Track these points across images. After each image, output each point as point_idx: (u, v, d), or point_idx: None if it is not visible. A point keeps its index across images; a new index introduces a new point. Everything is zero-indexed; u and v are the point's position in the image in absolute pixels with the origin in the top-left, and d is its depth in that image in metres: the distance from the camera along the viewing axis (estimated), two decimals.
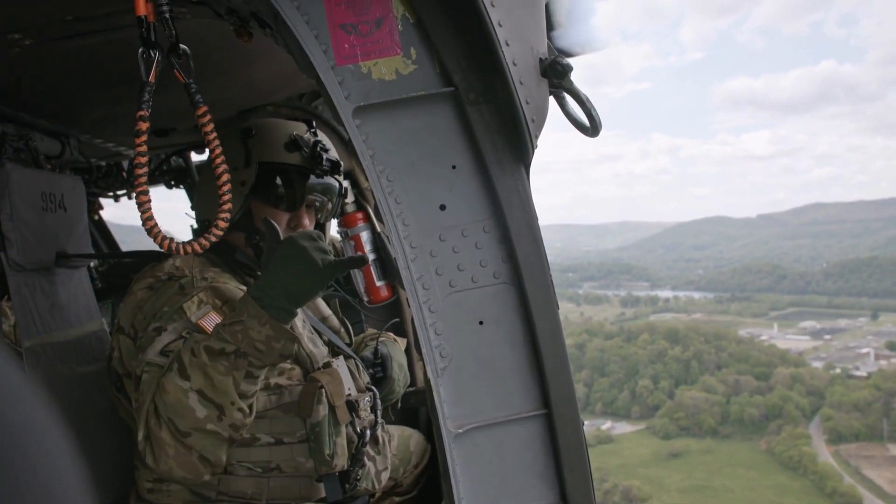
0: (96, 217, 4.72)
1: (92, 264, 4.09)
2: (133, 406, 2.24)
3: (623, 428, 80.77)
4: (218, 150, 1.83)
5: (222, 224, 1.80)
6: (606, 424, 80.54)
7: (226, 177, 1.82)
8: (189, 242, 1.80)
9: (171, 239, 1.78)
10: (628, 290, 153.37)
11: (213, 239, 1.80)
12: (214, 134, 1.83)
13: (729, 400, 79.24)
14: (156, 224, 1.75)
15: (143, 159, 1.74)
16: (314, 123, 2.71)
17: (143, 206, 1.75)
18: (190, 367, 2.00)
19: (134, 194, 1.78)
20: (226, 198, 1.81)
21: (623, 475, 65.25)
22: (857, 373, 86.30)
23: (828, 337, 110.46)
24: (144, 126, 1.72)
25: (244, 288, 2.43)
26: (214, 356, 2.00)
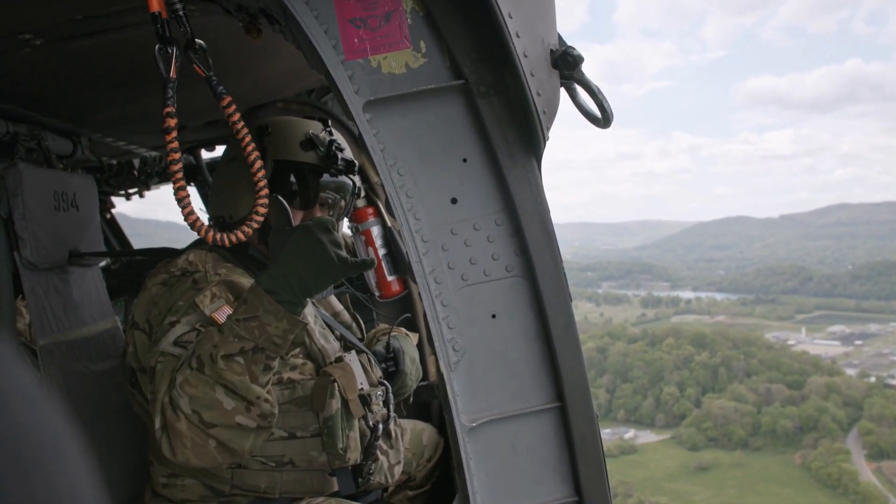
0: (108, 215, 4.76)
1: (103, 263, 4.11)
2: (148, 398, 2.25)
3: (647, 437, 75.68)
4: (248, 139, 1.86)
5: (262, 210, 1.85)
6: (629, 433, 75.50)
7: (259, 164, 1.86)
8: (232, 231, 1.87)
9: (215, 231, 1.86)
10: (649, 290, 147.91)
11: (255, 226, 1.86)
12: (242, 122, 1.84)
13: (760, 410, 74.39)
14: (198, 218, 1.81)
15: (177, 155, 1.76)
16: (329, 122, 2.72)
17: (183, 202, 1.79)
18: (209, 368, 2.01)
19: (173, 191, 1.81)
20: (262, 183, 1.85)
21: (649, 490, 61.28)
22: (894, 381, 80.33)
23: (859, 342, 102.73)
24: (173, 122, 1.74)
25: None
26: (231, 359, 2.00)
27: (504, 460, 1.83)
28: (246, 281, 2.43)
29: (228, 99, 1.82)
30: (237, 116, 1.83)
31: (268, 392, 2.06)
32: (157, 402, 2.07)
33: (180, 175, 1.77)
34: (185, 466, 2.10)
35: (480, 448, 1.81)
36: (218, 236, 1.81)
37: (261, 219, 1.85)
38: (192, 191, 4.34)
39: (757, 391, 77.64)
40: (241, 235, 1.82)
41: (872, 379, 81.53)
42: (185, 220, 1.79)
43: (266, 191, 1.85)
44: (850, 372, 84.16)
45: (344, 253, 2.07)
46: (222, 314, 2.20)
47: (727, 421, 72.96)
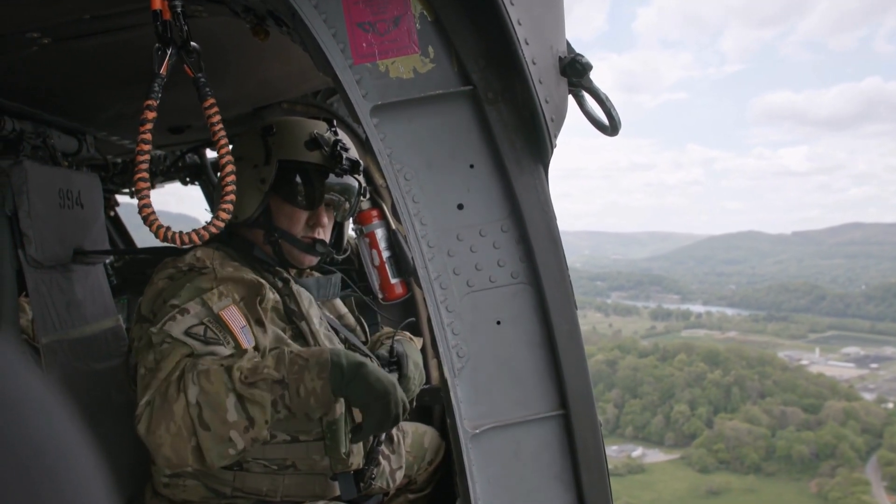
0: (112, 213, 4.76)
1: (107, 260, 4.11)
2: (140, 372, 2.20)
3: (655, 456, 71.03)
4: (223, 141, 1.83)
5: (223, 215, 1.79)
6: (637, 451, 71.08)
7: (230, 168, 1.81)
8: (187, 233, 1.78)
9: (168, 227, 1.76)
10: (658, 302, 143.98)
11: (213, 230, 1.78)
12: (221, 126, 1.83)
13: (774, 433, 69.40)
14: (153, 212, 1.75)
15: (147, 147, 1.76)
16: (334, 122, 2.71)
17: (141, 193, 1.75)
18: (249, 372, 2.08)
19: (133, 181, 1.78)
20: (229, 188, 1.80)
21: None
22: None
23: (874, 365, 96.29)
24: (151, 115, 1.74)
25: (263, 282, 2.43)
26: (254, 383, 2.06)
27: (507, 467, 1.82)
28: (253, 279, 2.43)
29: (211, 101, 1.81)
30: (217, 118, 1.82)
31: (268, 427, 2.11)
32: (156, 378, 2.06)
33: (144, 167, 1.75)
34: (153, 449, 2.06)
35: (483, 455, 1.80)
36: (170, 234, 1.76)
37: (221, 224, 1.79)
38: (197, 189, 4.34)
39: (771, 413, 73.70)
40: (195, 238, 1.77)
41: (890, 405, 77.21)
42: (140, 212, 1.75)
43: (233, 196, 1.80)
44: (868, 396, 79.93)
45: (399, 410, 2.20)
46: (229, 313, 2.22)
47: (740, 443, 69.05)
